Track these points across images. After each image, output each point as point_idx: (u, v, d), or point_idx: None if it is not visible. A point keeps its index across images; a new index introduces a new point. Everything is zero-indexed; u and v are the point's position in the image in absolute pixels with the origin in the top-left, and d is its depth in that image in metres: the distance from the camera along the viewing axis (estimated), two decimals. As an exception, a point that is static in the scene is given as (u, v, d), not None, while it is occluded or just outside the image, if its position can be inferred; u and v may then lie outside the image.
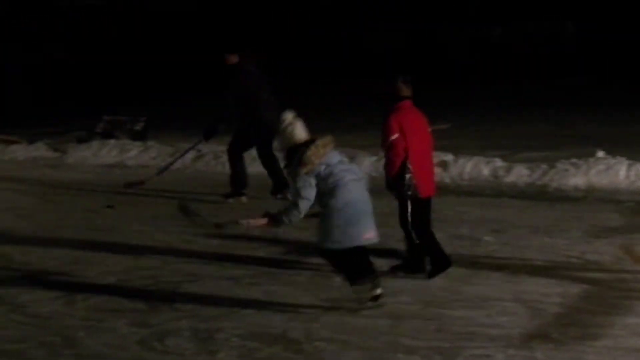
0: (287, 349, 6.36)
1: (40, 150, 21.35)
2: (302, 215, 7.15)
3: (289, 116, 7.37)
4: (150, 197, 12.96)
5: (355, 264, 7.21)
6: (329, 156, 7.12)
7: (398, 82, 8.29)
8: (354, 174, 7.33)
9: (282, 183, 11.89)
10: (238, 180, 12.57)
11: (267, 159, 12.54)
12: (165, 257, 9.41)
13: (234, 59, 12.70)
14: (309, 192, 7.00)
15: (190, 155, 15.57)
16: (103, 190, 14.35)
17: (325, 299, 7.58)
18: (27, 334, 6.72)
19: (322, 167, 7.04)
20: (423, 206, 8.30)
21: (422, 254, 8.33)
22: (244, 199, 12.39)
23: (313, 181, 7.00)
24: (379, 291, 7.16)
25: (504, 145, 15.52)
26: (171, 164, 13.98)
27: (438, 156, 14.21)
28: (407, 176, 8.06)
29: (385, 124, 8.17)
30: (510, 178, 13.39)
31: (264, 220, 7.42)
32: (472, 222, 10.69)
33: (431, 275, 8.20)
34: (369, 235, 7.21)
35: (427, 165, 8.43)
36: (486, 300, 7.47)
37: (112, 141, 20.60)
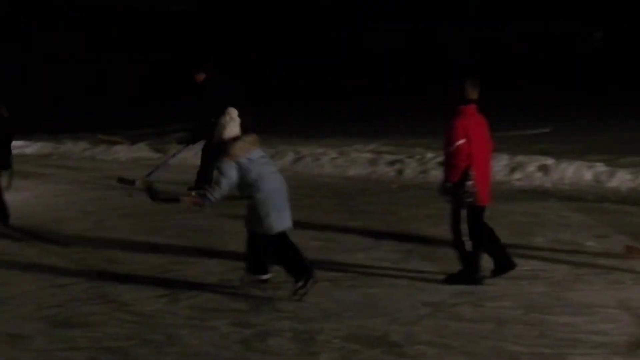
0: (388, 352, 6.33)
1: (142, 150, 21.77)
2: (223, 193, 7.90)
3: (232, 113, 8.25)
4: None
5: (284, 251, 8.07)
6: (252, 152, 8.03)
7: (466, 84, 8.06)
8: (273, 167, 8.39)
9: (204, 181, 12.91)
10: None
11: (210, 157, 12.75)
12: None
13: (201, 77, 13.55)
14: (231, 173, 7.83)
15: (290, 157, 15.76)
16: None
17: (425, 302, 7.52)
18: (132, 332, 6.84)
19: (245, 160, 7.91)
20: (479, 213, 8.13)
21: (477, 263, 8.13)
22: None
23: (235, 166, 7.85)
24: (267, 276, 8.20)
25: (606, 150, 15.17)
26: (158, 167, 14.28)
27: (539, 160, 14.14)
28: (469, 183, 7.89)
29: (451, 128, 7.94)
30: (613, 183, 13.08)
31: (192, 199, 8.57)
32: (574, 227, 10.46)
33: (495, 274, 8.10)
34: (289, 222, 8.09)
35: (487, 173, 8.22)
36: (590, 306, 7.30)
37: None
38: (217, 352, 6.44)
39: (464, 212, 8.05)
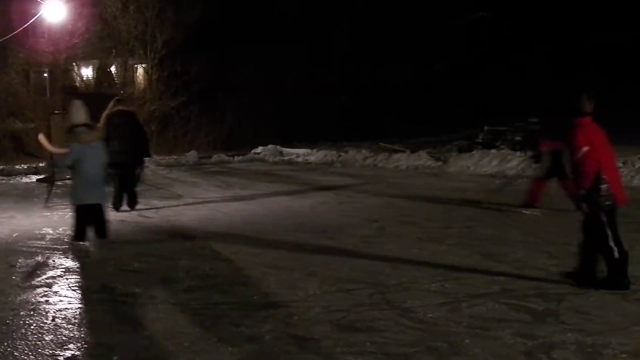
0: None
1: (422, 159, 22.01)
2: (66, 164, 11.59)
3: (77, 103, 11.66)
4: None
5: (83, 221, 11.38)
6: (90, 142, 11.27)
7: (583, 98, 8.38)
8: (97, 155, 11.36)
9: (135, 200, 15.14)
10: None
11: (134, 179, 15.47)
12: (548, 268, 9.29)
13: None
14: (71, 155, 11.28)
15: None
16: (484, 200, 14.51)
17: None
18: (415, 339, 6.86)
19: (81, 146, 11.17)
20: (615, 216, 8.27)
21: (624, 267, 8.26)
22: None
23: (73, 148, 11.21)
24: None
25: None
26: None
27: None
28: (604, 186, 8.13)
29: (572, 139, 8.25)
30: None
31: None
32: None
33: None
34: (94, 200, 11.35)
35: (618, 175, 8.66)
36: None
37: (493, 151, 20.71)
38: (504, 363, 6.34)
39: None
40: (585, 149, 8.10)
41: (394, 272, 9.32)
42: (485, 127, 24.83)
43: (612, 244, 8.18)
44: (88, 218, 11.49)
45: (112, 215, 14.08)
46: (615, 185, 8.26)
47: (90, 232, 11.54)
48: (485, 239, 11.02)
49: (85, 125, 11.52)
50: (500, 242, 10.75)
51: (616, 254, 8.18)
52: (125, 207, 14.91)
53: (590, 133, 8.26)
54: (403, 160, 22.33)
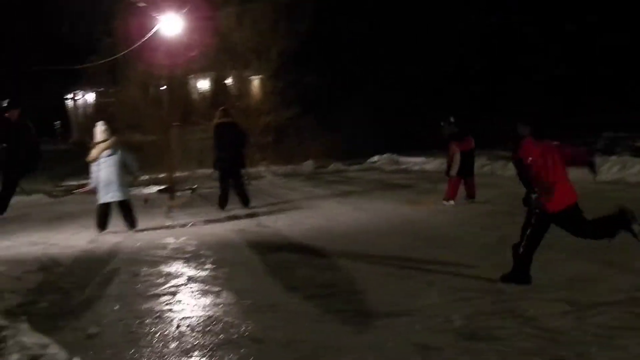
0: None
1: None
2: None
3: (100, 125, 14.42)
4: None
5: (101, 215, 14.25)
6: (105, 152, 14.15)
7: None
8: (114, 161, 14.17)
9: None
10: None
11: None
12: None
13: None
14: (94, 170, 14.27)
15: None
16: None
17: None
18: (539, 347, 6.75)
19: (101, 157, 14.17)
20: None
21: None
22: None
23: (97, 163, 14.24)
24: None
25: None
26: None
27: None
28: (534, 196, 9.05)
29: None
30: None
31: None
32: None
33: None
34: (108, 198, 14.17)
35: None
36: None
37: (613, 158, 20.25)
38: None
39: None
40: (529, 160, 8.95)
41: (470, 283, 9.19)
42: (604, 134, 24.29)
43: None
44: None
45: (235, 224, 14.35)
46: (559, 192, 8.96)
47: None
48: (606, 246, 10.73)
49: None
50: (623, 250, 10.46)
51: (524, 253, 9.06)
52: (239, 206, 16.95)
53: (528, 149, 9.02)
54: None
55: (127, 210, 14.41)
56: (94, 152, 14.19)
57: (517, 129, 9.38)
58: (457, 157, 16.71)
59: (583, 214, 9.21)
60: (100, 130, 14.28)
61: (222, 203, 17.00)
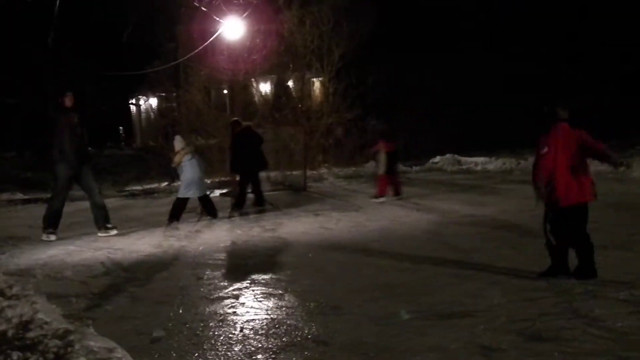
0: None
1: (604, 163, 21.32)
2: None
3: (178, 138, 17.29)
4: None
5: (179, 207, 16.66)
6: (186, 157, 16.62)
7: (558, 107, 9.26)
8: (195, 163, 16.75)
9: None
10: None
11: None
12: None
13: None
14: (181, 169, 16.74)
15: None
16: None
17: None
18: (606, 348, 6.66)
19: (184, 161, 16.56)
20: (561, 213, 9.23)
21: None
22: None
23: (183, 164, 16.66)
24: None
25: None
26: None
27: None
28: (549, 187, 9.18)
29: (538, 141, 9.30)
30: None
31: None
32: None
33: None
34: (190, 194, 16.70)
35: (569, 178, 9.14)
36: None
37: None
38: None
39: None
40: (545, 150, 9.11)
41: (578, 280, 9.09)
42: None
43: (548, 235, 9.27)
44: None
45: (297, 226, 14.41)
46: (561, 187, 9.04)
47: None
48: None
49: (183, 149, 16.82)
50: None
51: (550, 243, 9.28)
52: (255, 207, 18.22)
53: (557, 136, 9.11)
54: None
55: (207, 202, 17.17)
56: (177, 158, 16.71)
57: (556, 112, 9.32)
58: (383, 157, 18.42)
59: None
60: (178, 140, 17.04)
61: (240, 205, 18.13)
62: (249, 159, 18.19)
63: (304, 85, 31.24)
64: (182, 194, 16.68)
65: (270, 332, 7.75)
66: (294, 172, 23.65)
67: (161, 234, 14.72)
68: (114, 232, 14.82)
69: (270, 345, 7.28)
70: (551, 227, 9.23)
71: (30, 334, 6.26)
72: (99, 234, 14.64)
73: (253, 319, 8.25)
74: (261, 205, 18.30)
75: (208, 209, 17.04)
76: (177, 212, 16.51)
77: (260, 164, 18.57)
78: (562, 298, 8.34)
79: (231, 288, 9.77)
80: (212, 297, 9.32)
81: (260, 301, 9.05)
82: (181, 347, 7.37)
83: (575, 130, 9.14)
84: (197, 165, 16.76)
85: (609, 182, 18.53)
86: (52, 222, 14.56)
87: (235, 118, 19.95)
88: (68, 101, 14.57)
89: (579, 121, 9.17)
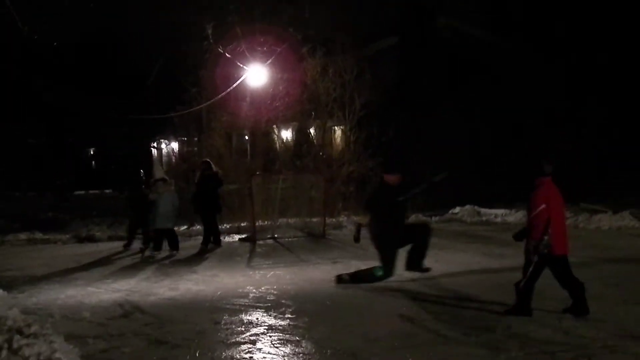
0: None
1: (625, 219, 21.28)
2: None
3: (158, 166, 21.54)
4: None
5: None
6: (165, 189, 18.01)
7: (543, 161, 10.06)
8: (174, 196, 18.35)
9: None
10: None
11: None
12: None
13: None
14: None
15: None
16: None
17: None
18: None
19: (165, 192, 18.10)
20: (550, 262, 10.28)
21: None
22: None
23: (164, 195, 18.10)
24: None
25: None
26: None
27: None
28: (546, 237, 10.01)
29: (533, 198, 10.03)
30: None
31: None
32: None
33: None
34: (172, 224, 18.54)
35: (563, 229, 10.23)
36: None
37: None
38: None
39: None
40: (542, 207, 9.79)
41: (597, 334, 9.08)
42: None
43: (530, 283, 10.23)
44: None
45: (316, 274, 14.39)
46: (558, 236, 9.94)
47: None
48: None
49: (162, 179, 18.55)
50: None
51: (526, 288, 10.22)
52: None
53: (548, 192, 9.95)
54: (605, 220, 21.65)
55: (173, 236, 18.74)
56: (161, 189, 18.17)
57: (542, 167, 10.05)
58: None
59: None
60: (159, 169, 19.30)
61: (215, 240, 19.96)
62: (208, 201, 19.60)
63: (325, 133, 31.33)
64: (160, 224, 18.25)
65: (286, 378, 7.75)
66: (314, 219, 23.61)
67: (179, 277, 14.73)
68: None
69: (286, 392, 7.28)
70: (533, 273, 10.16)
71: (48, 373, 6.28)
72: None
73: (269, 365, 8.26)
74: (203, 244, 19.51)
75: (172, 242, 18.60)
76: (159, 243, 18.45)
77: (216, 206, 20.00)
78: (580, 352, 8.32)
79: (248, 333, 9.77)
80: (229, 342, 9.33)
81: (277, 347, 9.05)
82: (197, 391, 7.38)
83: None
84: (176, 199, 18.48)
85: (630, 238, 18.47)
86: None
87: (207, 159, 21.40)
88: None
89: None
